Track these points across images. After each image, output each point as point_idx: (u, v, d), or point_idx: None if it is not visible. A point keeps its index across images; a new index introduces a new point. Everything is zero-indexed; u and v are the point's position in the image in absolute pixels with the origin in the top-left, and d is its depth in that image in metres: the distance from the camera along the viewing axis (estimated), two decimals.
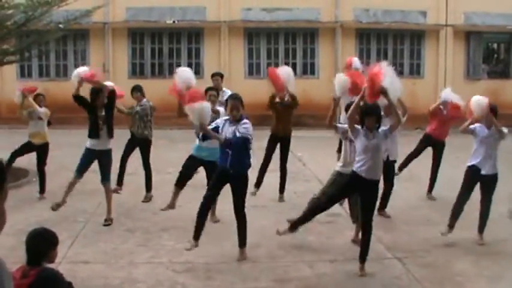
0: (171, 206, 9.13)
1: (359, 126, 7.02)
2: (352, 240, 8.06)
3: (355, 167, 7.08)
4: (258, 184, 10.36)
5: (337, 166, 8.09)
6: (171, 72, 21.57)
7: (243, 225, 7.58)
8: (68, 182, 8.95)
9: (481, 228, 8.15)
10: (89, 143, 9.01)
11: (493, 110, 8.11)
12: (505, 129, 8.02)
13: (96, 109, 8.83)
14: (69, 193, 8.91)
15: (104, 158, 8.99)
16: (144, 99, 10.48)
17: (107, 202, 9.05)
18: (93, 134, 8.89)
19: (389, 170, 9.11)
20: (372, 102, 7.07)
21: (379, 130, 7.02)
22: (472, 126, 8.20)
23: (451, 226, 8.17)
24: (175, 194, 9.11)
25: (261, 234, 8.28)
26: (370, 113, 6.95)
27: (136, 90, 10.46)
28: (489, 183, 8.14)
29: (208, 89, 9.19)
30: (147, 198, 10.37)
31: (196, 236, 7.47)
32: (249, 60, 22.14)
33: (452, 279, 6.83)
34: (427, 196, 10.69)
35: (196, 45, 22.14)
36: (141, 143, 10.46)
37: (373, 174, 7.00)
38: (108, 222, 8.91)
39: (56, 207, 8.85)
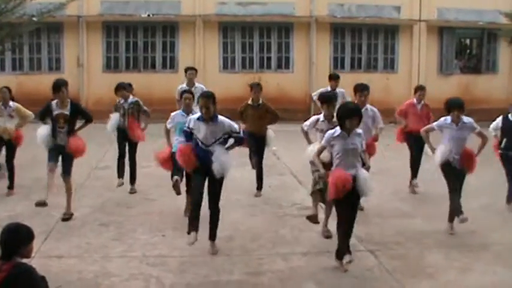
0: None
1: (334, 131, 6.76)
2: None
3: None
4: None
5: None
6: (146, 66, 21.70)
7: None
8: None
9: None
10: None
11: None
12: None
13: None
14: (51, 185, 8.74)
15: (66, 153, 8.78)
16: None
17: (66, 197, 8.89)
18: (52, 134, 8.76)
19: None
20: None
21: (357, 132, 6.76)
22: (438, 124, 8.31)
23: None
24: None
25: (234, 228, 8.34)
26: (353, 115, 6.62)
27: (127, 87, 10.47)
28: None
29: (183, 92, 9.23)
30: (133, 191, 10.49)
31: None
32: (224, 54, 22.12)
33: (424, 271, 6.92)
34: (411, 184, 10.69)
35: (171, 39, 22.06)
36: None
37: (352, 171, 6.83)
38: (66, 216, 8.75)
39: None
